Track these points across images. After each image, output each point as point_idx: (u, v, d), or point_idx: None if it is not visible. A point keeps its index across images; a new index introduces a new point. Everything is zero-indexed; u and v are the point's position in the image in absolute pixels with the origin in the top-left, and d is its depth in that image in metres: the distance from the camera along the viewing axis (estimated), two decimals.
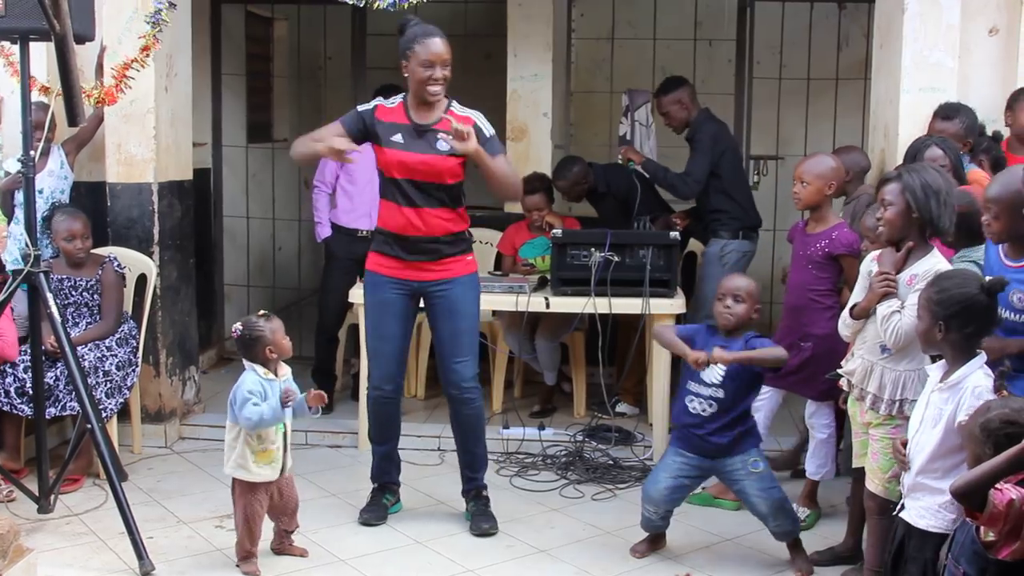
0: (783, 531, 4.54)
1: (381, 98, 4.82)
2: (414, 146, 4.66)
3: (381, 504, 5.05)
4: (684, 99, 6.39)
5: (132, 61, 5.44)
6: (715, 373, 4.47)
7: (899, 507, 3.58)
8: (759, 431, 4.69)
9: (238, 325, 4.39)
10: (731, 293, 4.51)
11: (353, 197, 6.52)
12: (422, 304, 4.91)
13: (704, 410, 4.51)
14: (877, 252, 4.09)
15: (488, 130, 4.72)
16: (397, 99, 4.76)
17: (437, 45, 4.58)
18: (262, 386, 4.33)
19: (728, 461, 4.55)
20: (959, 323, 3.40)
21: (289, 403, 4.34)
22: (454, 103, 4.75)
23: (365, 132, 4.72)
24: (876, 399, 3.93)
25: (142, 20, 5.60)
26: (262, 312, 4.44)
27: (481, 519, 4.94)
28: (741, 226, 6.34)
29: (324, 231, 6.62)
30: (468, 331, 4.86)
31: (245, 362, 4.40)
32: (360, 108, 4.78)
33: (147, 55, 5.44)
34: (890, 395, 3.91)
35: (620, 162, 6.63)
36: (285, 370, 4.46)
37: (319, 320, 6.78)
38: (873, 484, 4.00)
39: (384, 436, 5.03)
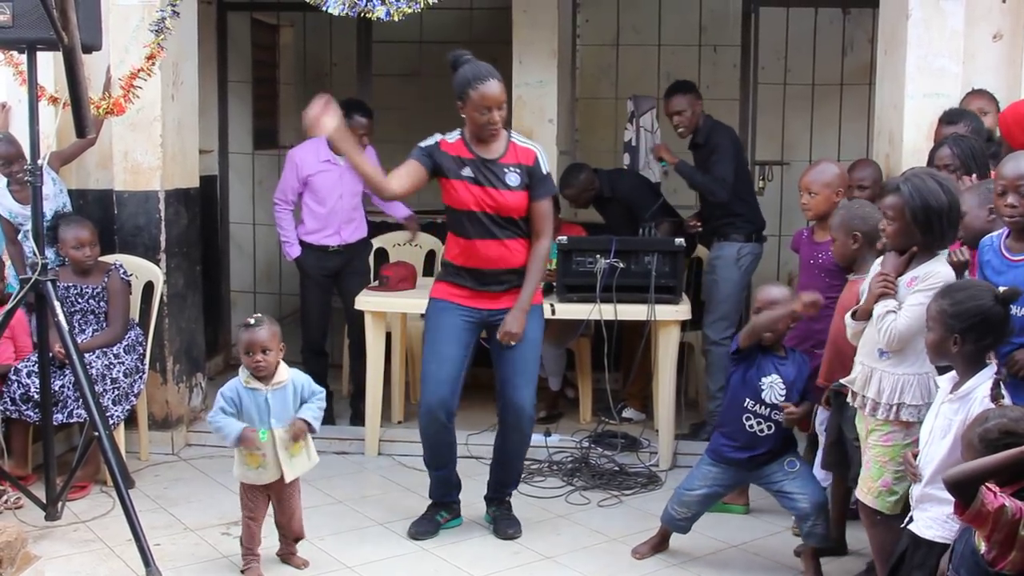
0: (818, 533, 4.49)
1: (438, 134, 4.77)
2: (483, 180, 4.67)
3: (434, 520, 5.00)
4: (696, 102, 6.37)
5: (139, 71, 5.46)
6: (776, 392, 4.47)
7: (908, 519, 3.56)
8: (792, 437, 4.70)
9: None
10: (767, 307, 4.48)
11: (320, 218, 6.44)
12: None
13: (762, 431, 4.50)
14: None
15: (545, 167, 4.76)
16: (455, 134, 4.75)
17: (492, 89, 4.57)
18: (238, 394, 4.35)
19: (767, 468, 4.56)
20: (976, 335, 3.37)
21: (247, 445, 4.33)
22: (515, 135, 4.79)
23: (438, 167, 4.71)
24: (875, 404, 3.90)
25: (147, 29, 5.62)
26: (252, 319, 4.38)
27: (506, 524, 4.97)
28: (753, 229, 6.33)
29: (293, 250, 6.54)
30: (532, 359, 4.86)
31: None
32: (423, 144, 4.75)
33: (153, 64, 5.46)
34: (888, 399, 3.85)
35: (652, 158, 6.52)
36: (280, 376, 4.40)
37: (304, 336, 6.68)
38: (862, 493, 3.95)
39: (440, 462, 4.97)
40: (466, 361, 4.86)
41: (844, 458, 4.46)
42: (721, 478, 4.62)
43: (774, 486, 4.59)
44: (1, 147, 5.54)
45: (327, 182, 6.36)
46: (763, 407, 4.48)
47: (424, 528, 4.96)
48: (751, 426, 4.50)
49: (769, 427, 4.49)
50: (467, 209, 4.70)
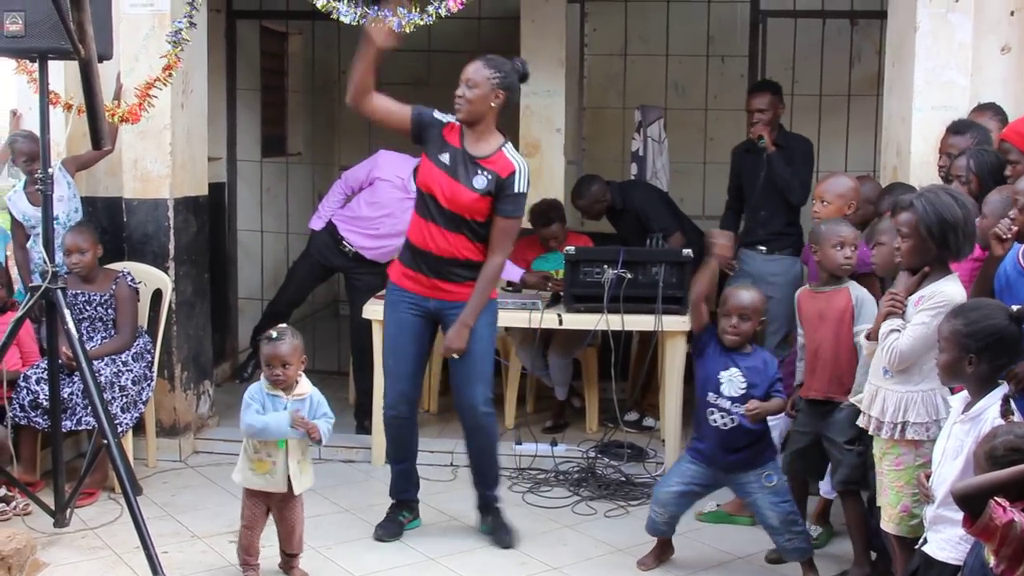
0: (794, 547, 4.52)
1: (451, 115, 4.83)
2: (453, 171, 4.71)
3: (397, 521, 5.07)
4: (779, 105, 6.29)
5: (155, 80, 5.48)
6: (736, 386, 4.49)
7: (922, 540, 3.54)
8: (775, 445, 4.71)
9: None
10: (738, 311, 4.52)
11: (360, 218, 6.46)
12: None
13: (726, 424, 4.52)
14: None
15: (519, 186, 4.73)
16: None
17: (467, 67, 4.68)
18: (262, 396, 4.35)
19: (743, 475, 4.57)
20: (991, 355, 3.33)
21: (298, 428, 4.30)
22: (507, 145, 4.81)
23: (424, 134, 4.78)
24: (879, 423, 3.90)
25: (158, 38, 5.65)
26: (274, 331, 4.38)
27: (502, 532, 4.99)
28: (802, 246, 6.33)
29: (318, 223, 6.64)
30: (481, 356, 4.87)
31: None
32: (436, 114, 4.82)
33: (169, 74, 5.49)
34: (892, 417, 3.84)
35: (751, 137, 6.31)
36: (301, 388, 4.41)
37: (272, 300, 6.92)
38: (884, 522, 3.93)
39: (401, 456, 5.08)
40: (424, 353, 5.01)
41: (815, 463, 4.62)
42: (697, 476, 4.63)
43: (748, 497, 4.63)
44: (25, 144, 5.57)
45: (388, 195, 6.34)
46: (723, 400, 4.51)
47: (389, 530, 5.02)
48: (714, 420, 4.53)
49: (732, 420, 4.50)
50: (428, 192, 4.74)
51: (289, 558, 4.56)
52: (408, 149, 5.62)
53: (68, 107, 5.51)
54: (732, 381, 4.50)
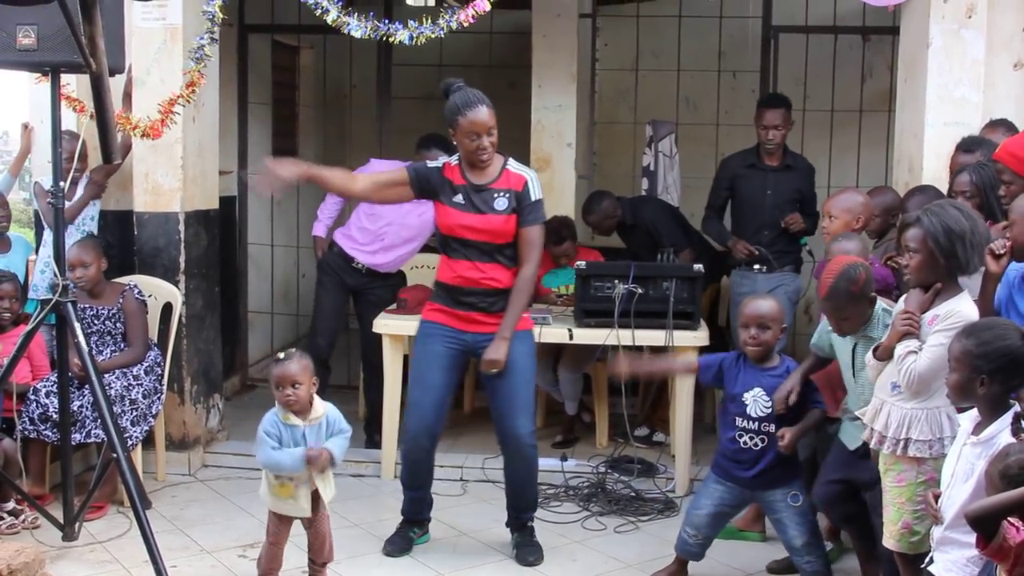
0: (813, 569, 4.48)
1: (445, 156, 4.91)
2: (472, 207, 4.72)
3: (407, 536, 5.06)
4: (790, 121, 6.32)
5: (178, 97, 5.51)
6: (762, 406, 4.46)
7: (928, 560, 3.52)
8: (801, 464, 4.69)
9: None
10: (756, 322, 4.48)
11: (364, 232, 6.41)
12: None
13: (756, 444, 4.49)
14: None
15: (535, 194, 4.78)
16: (456, 158, 4.82)
17: (480, 115, 4.63)
18: (278, 428, 4.30)
19: (769, 493, 4.54)
20: (1003, 376, 3.26)
21: (315, 464, 4.26)
22: (511, 161, 4.83)
23: (431, 189, 4.78)
24: (882, 437, 3.86)
25: (170, 52, 5.68)
26: (283, 353, 4.35)
27: (527, 551, 4.96)
28: (801, 262, 6.35)
29: (318, 228, 6.63)
30: (523, 387, 4.86)
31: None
32: (428, 164, 4.85)
33: (192, 91, 5.52)
34: (894, 433, 3.79)
35: (788, 229, 6.25)
36: (316, 412, 4.36)
37: (309, 342, 6.62)
38: (886, 538, 3.89)
39: (416, 484, 5.06)
40: (452, 387, 4.95)
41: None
42: (727, 497, 4.60)
43: (774, 514, 4.60)
44: (66, 143, 5.49)
45: (386, 209, 6.28)
46: (751, 422, 4.48)
47: (398, 546, 5.01)
48: (744, 443, 4.50)
49: (762, 440, 4.47)
50: (453, 235, 4.76)
51: (319, 569, 4.53)
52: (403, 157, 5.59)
53: (81, 109, 5.55)
54: (757, 401, 4.46)
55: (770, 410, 4.43)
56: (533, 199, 4.76)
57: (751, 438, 4.48)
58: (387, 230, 6.35)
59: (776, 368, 4.52)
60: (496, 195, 4.73)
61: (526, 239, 4.76)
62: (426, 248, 6.76)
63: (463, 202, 4.73)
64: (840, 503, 4.47)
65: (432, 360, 4.86)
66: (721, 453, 4.64)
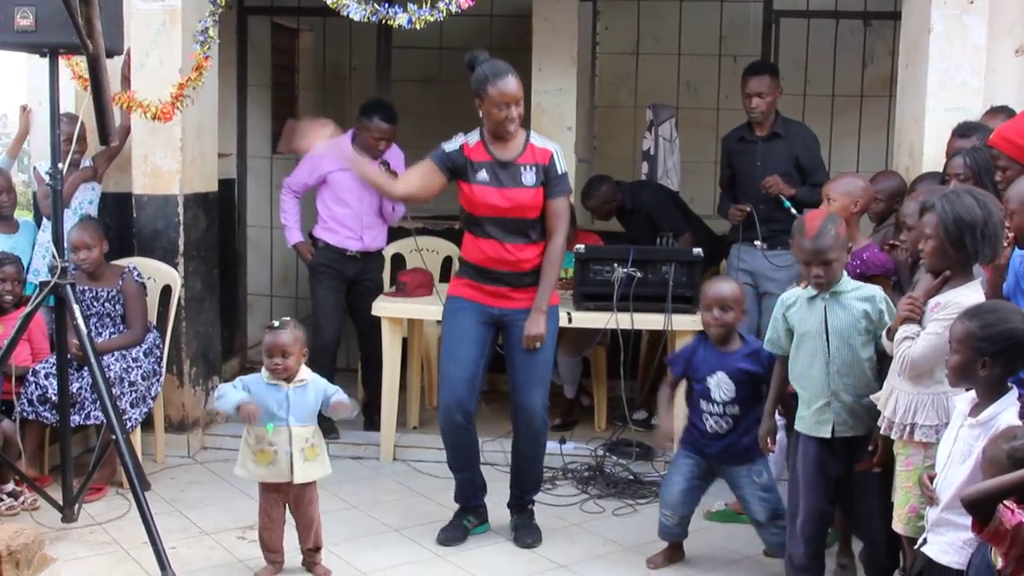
0: (777, 542, 4.54)
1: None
2: (499, 182, 4.71)
3: (461, 525, 5.02)
4: (777, 89, 6.09)
5: (187, 81, 5.53)
6: (724, 390, 4.54)
7: (921, 541, 3.51)
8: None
9: None
10: (718, 303, 4.55)
11: (342, 219, 6.36)
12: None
13: (722, 427, 4.57)
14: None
15: (562, 166, 4.78)
16: (475, 135, 4.78)
17: (510, 85, 4.61)
18: (258, 385, 4.36)
19: (734, 468, 4.62)
20: (1005, 359, 3.26)
21: (250, 421, 4.33)
22: (533, 134, 4.82)
23: (455, 167, 4.76)
24: (890, 423, 3.87)
25: (169, 34, 5.67)
26: (277, 321, 4.39)
27: (525, 533, 4.97)
28: None
29: (293, 235, 6.52)
30: (544, 362, 4.86)
31: None
32: (446, 147, 4.79)
33: (200, 74, 5.52)
34: (901, 418, 3.78)
35: (769, 194, 6.00)
36: (303, 375, 4.40)
37: (314, 343, 6.55)
38: (895, 522, 3.88)
39: (462, 463, 4.99)
40: (483, 361, 4.88)
41: None
42: (696, 470, 4.67)
43: (738, 490, 4.68)
44: (65, 126, 5.49)
45: (347, 181, 6.24)
46: (715, 405, 4.58)
47: (452, 535, 4.97)
48: (710, 426, 4.59)
49: (727, 422, 4.56)
50: (480, 213, 4.74)
51: (311, 553, 4.54)
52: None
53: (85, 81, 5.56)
54: (720, 386, 4.56)
55: (734, 393, 4.53)
56: (559, 171, 4.76)
57: (716, 421, 4.58)
58: (360, 207, 6.32)
59: (738, 351, 4.60)
60: (523, 169, 4.71)
61: (554, 211, 4.76)
62: (421, 231, 6.75)
63: (488, 178, 4.71)
64: (833, 513, 4.42)
65: (462, 334, 4.83)
66: (687, 430, 4.74)
